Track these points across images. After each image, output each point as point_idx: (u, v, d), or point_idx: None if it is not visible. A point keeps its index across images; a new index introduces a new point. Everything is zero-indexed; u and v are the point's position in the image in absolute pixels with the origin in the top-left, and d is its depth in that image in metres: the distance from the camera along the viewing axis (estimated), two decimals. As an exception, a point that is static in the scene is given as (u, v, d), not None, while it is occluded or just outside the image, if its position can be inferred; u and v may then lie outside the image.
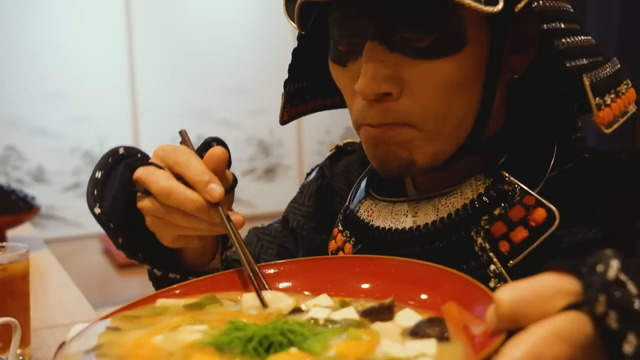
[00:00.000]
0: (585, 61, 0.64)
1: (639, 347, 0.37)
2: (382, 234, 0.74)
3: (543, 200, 0.67)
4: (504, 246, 0.67)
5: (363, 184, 0.84)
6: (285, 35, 5.03)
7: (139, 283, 4.11)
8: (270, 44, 5.01)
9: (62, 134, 4.59)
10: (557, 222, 0.65)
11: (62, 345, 1.11)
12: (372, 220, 0.76)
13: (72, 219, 4.59)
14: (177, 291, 0.61)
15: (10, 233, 1.96)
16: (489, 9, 0.60)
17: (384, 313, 0.53)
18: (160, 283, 0.81)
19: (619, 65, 0.72)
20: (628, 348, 0.37)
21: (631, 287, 0.38)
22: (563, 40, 0.63)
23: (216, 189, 0.66)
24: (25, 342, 1.04)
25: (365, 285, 0.59)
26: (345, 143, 0.97)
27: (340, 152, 0.97)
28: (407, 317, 0.51)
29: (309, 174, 1.00)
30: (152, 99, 4.74)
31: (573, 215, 0.67)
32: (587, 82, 0.62)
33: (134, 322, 0.55)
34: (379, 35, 0.65)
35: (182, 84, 4.81)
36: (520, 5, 0.62)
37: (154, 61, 4.73)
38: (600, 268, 0.39)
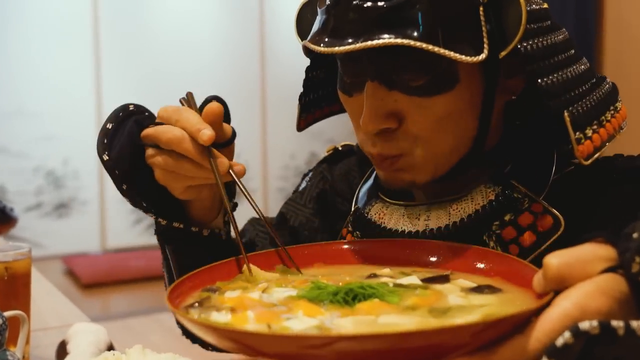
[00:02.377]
0: (567, 96, 0.70)
1: None
2: (394, 236, 0.78)
3: (550, 208, 0.73)
4: (514, 250, 0.73)
5: (367, 185, 0.88)
6: (253, 60, 5.10)
7: (103, 304, 4.05)
8: (238, 68, 5.06)
9: (25, 153, 4.52)
10: (562, 228, 0.72)
11: (61, 343, 1.12)
12: (384, 223, 0.80)
13: (33, 239, 4.50)
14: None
15: (-15, 245, 1.94)
16: (472, 58, 0.66)
17: (441, 280, 0.62)
18: (165, 234, 0.85)
19: (608, 87, 0.77)
20: None
21: None
22: (546, 79, 0.69)
23: (206, 132, 0.73)
24: (25, 340, 1.05)
25: (422, 261, 0.69)
26: (342, 145, 1.01)
27: (337, 155, 1.01)
28: (463, 282, 0.60)
29: (305, 175, 1.03)
30: (118, 120, 4.73)
31: (576, 219, 0.72)
32: (567, 119, 0.68)
33: (226, 286, 0.63)
34: (379, 76, 0.70)
35: (149, 105, 4.78)
36: (504, 53, 0.68)
37: (121, 81, 4.72)
38: (636, 235, 0.47)
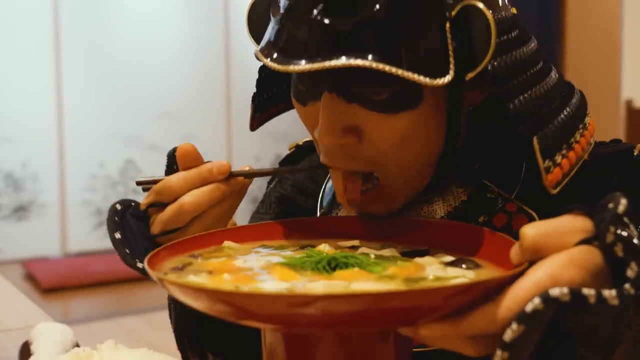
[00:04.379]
0: (536, 118, 0.67)
1: (638, 272, 0.45)
2: None
3: (524, 207, 0.71)
4: None
5: (331, 184, 0.84)
6: (217, 60, 5.05)
7: (64, 308, 3.96)
8: (201, 69, 5.00)
9: (-18, 155, 4.41)
10: None
11: (25, 343, 1.08)
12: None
13: (-9, 243, 4.40)
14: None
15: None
16: (437, 81, 0.61)
17: (420, 254, 0.61)
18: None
19: (576, 101, 0.74)
20: (630, 273, 0.45)
21: (632, 228, 0.47)
22: (514, 101, 0.65)
23: (218, 166, 0.71)
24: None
25: (404, 237, 0.68)
26: (304, 142, 0.96)
27: (299, 153, 0.97)
28: (443, 257, 0.60)
29: (269, 183, 1.00)
30: (79, 121, 4.63)
31: (547, 210, 0.68)
32: (537, 146, 0.65)
33: (210, 254, 0.63)
34: (337, 88, 0.65)
35: (111, 106, 4.73)
36: (471, 75, 0.63)
37: (82, 83, 4.63)
38: (611, 205, 0.47)
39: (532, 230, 0.48)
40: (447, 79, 0.62)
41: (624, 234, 0.46)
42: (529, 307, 0.44)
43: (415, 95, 0.65)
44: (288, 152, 0.98)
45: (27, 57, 4.44)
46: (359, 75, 0.64)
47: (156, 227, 0.73)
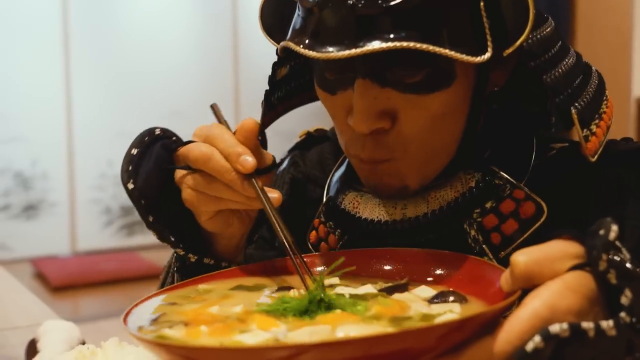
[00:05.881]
0: (569, 91, 0.68)
1: (633, 299, 0.45)
2: (370, 225, 0.75)
3: (532, 195, 0.71)
4: (495, 238, 0.71)
5: (339, 172, 0.85)
6: (225, 60, 5.06)
7: (73, 306, 3.98)
8: (209, 69, 5.01)
9: (-8, 154, 4.43)
10: (545, 215, 0.70)
11: (31, 341, 1.09)
12: (359, 212, 0.77)
13: (1, 242, 4.41)
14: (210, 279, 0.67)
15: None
16: (478, 58, 0.62)
17: (400, 289, 0.60)
18: (190, 269, 0.78)
19: (595, 76, 0.75)
20: (625, 300, 0.45)
21: (625, 252, 0.46)
22: (550, 75, 0.67)
23: (248, 160, 0.68)
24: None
25: (381, 270, 0.67)
26: (315, 130, 0.97)
27: (310, 139, 0.97)
28: (424, 291, 0.59)
29: (279, 164, 0.99)
30: (88, 120, 4.65)
31: (559, 205, 0.71)
32: (575, 116, 0.66)
33: (185, 299, 0.61)
34: (370, 73, 0.66)
35: (120, 105, 4.74)
36: (509, 51, 0.64)
37: (91, 82, 4.65)
38: (602, 232, 0.47)
39: (524, 258, 0.48)
40: (487, 55, 0.63)
41: (617, 258, 0.45)
42: (529, 347, 0.43)
43: (448, 75, 0.66)
44: (299, 139, 0.98)
45: (37, 56, 4.46)
46: (393, 59, 0.64)
47: (177, 153, 0.73)
